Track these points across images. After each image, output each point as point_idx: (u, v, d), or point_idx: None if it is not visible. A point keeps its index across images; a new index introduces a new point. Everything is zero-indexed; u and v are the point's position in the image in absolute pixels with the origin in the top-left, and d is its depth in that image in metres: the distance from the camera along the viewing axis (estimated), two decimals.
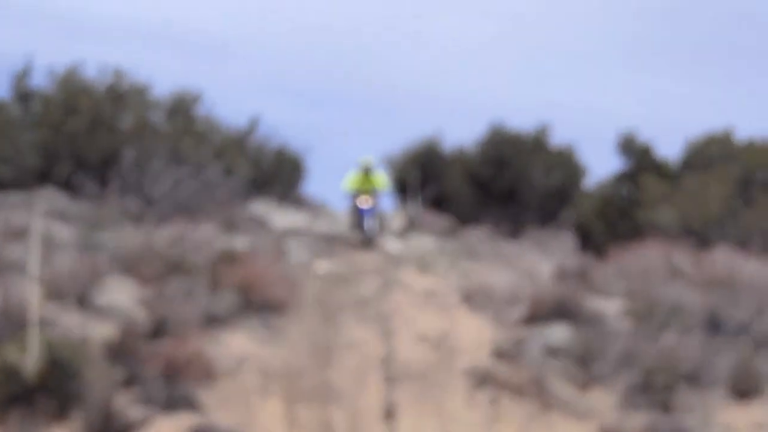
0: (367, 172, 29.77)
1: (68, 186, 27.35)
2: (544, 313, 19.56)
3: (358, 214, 29.46)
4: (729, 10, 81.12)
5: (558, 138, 36.47)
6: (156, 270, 20.06)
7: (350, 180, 29.93)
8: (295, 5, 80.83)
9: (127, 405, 16.78)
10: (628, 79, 75.80)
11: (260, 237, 23.58)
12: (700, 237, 26.48)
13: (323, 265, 23.20)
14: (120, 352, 17.47)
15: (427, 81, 74.78)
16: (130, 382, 17.14)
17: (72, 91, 29.64)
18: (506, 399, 17.88)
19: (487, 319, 19.66)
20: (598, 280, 21.34)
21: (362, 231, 29.23)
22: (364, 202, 29.28)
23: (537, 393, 17.95)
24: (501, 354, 18.69)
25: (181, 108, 30.93)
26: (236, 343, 18.46)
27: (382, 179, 30.21)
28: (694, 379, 18.37)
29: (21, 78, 31.50)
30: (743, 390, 18.38)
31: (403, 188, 33.85)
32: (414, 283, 21.24)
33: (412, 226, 29.57)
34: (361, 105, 72.79)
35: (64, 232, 21.71)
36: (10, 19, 76.33)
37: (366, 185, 29.57)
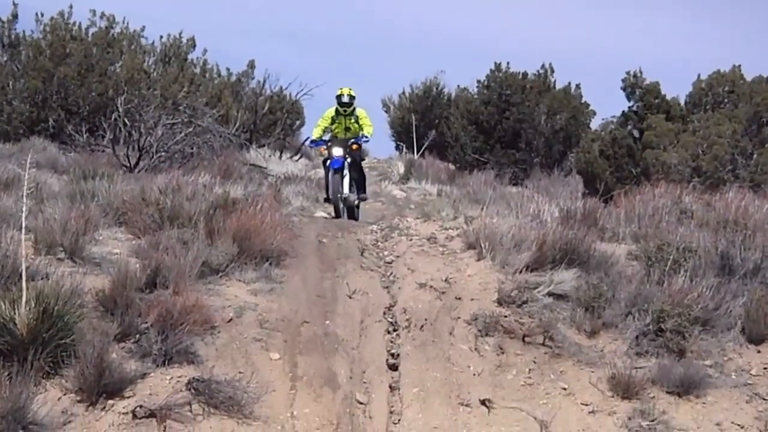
0: (344, 109, 24.20)
1: (59, 135, 27.28)
2: (550, 258, 19.45)
3: (329, 172, 24.16)
4: None
5: (563, 79, 36.34)
6: (150, 220, 19.93)
7: (322, 122, 24.70)
8: None
9: (121, 359, 16.65)
10: (633, 17, 76.15)
11: (258, 185, 23.45)
12: (710, 178, 26.38)
13: (323, 213, 23.09)
14: (114, 304, 17.34)
15: (428, 21, 75.08)
16: (124, 334, 17.01)
17: (61, 37, 29.53)
18: (513, 347, 17.78)
19: (492, 265, 19.57)
20: (605, 224, 21.21)
21: (331, 191, 24.01)
22: (337, 152, 24.00)
23: (544, 340, 17.85)
24: (507, 301, 18.56)
25: (175, 54, 30.82)
26: (234, 294, 18.35)
27: (366, 120, 24.57)
28: (706, 322, 18.28)
29: (7, 25, 31.41)
30: (757, 334, 18.29)
31: (403, 133, 33.63)
32: (416, 230, 21.13)
33: (412, 172, 29.13)
34: (361, 47, 72.99)
35: (54, 183, 21.56)
36: None
37: (343, 126, 24.35)
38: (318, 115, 24.43)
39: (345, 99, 24.05)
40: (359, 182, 23.92)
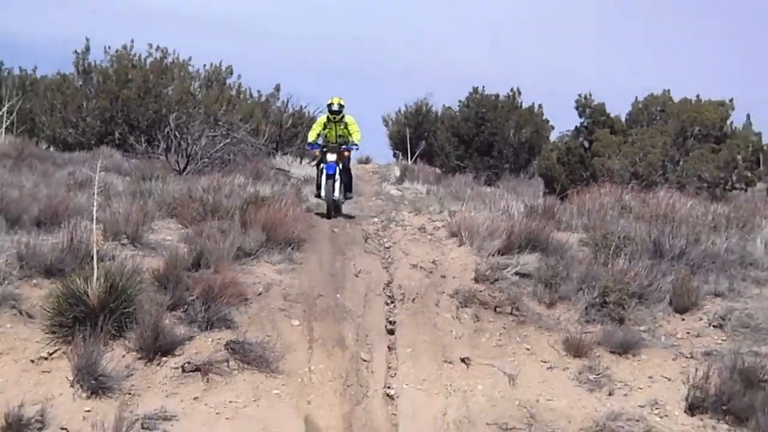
0: (335, 116, 22.99)
1: (122, 145, 27.34)
2: (517, 244, 19.58)
3: (322, 174, 22.97)
4: None
5: (528, 99, 36.43)
6: (196, 213, 20.04)
7: (316, 127, 23.56)
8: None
9: (173, 324, 16.77)
10: (584, 49, 75.91)
11: (282, 185, 23.52)
12: (645, 180, 26.46)
13: (315, 210, 23.16)
14: (166, 280, 17.48)
15: (419, 55, 74.83)
16: (175, 305, 17.14)
17: (124, 66, 29.59)
18: (486, 315, 17.90)
19: (470, 250, 19.66)
20: (561, 217, 21.33)
21: (324, 194, 22.87)
22: (330, 158, 22.88)
23: (512, 310, 17.97)
24: (482, 278, 18.69)
25: (216, 79, 30.86)
26: (263, 273, 18.46)
27: (355, 127, 23.21)
28: (641, 296, 18.43)
29: (82, 56, 31.42)
30: (683, 305, 18.43)
31: (399, 143, 33.68)
32: (409, 221, 21.24)
33: (406, 175, 29.14)
34: (364, 75, 72.80)
35: (119, 183, 21.66)
36: (72, 7, 76.21)
37: (334, 133, 23.18)
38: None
39: (335, 107, 22.93)
40: (347, 183, 23.25)
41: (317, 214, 22.28)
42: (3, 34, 78.35)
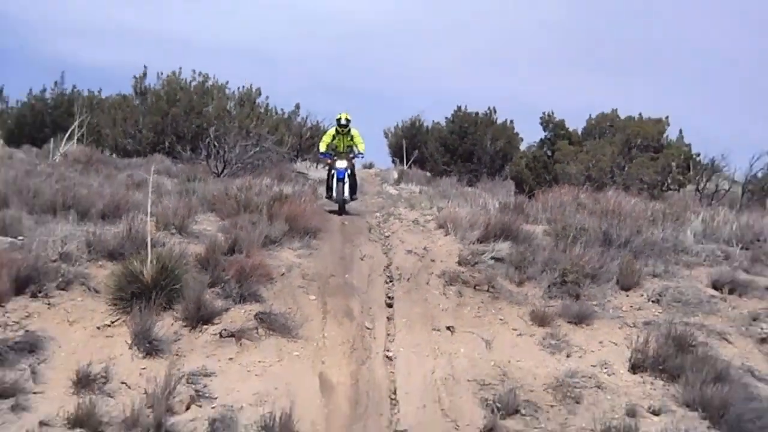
0: (342, 129, 22.73)
1: (171, 152, 27.34)
2: (492, 234, 19.58)
3: (333, 177, 22.78)
4: (618, 28, 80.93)
5: (502, 116, 36.40)
6: (231, 208, 20.04)
7: (326, 138, 23.08)
8: (322, 29, 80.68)
9: (212, 299, 16.78)
10: (548, 76, 75.86)
11: (301, 186, 23.53)
12: (597, 182, 26.45)
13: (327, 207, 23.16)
14: (207, 263, 17.49)
15: (413, 79, 74.78)
16: (214, 283, 17.14)
17: (173, 88, 29.60)
18: (468, 292, 17.89)
19: (454, 239, 19.67)
20: (529, 212, 21.33)
21: (335, 195, 22.70)
22: (340, 165, 22.64)
23: (488, 288, 17.97)
24: (464, 262, 18.70)
25: (247, 99, 30.84)
26: (285, 257, 18.46)
27: (359, 138, 22.88)
28: (593, 276, 18.43)
29: (139, 80, 31.44)
30: (628, 283, 18.44)
31: (397, 151, 33.66)
32: (405, 215, 21.25)
33: (403, 177, 29.12)
34: (369, 95, 72.74)
35: (168, 184, 21.66)
36: (131, 40, 76.28)
37: (342, 143, 22.88)
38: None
39: (342, 122, 22.62)
40: (353, 186, 22.95)
41: (329, 211, 22.24)
42: (75, 63, 78.69)
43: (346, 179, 22.46)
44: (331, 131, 22.92)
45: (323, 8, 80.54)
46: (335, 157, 22.84)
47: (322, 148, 23.02)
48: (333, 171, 22.68)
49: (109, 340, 15.99)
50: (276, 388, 15.39)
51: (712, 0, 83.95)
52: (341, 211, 22.35)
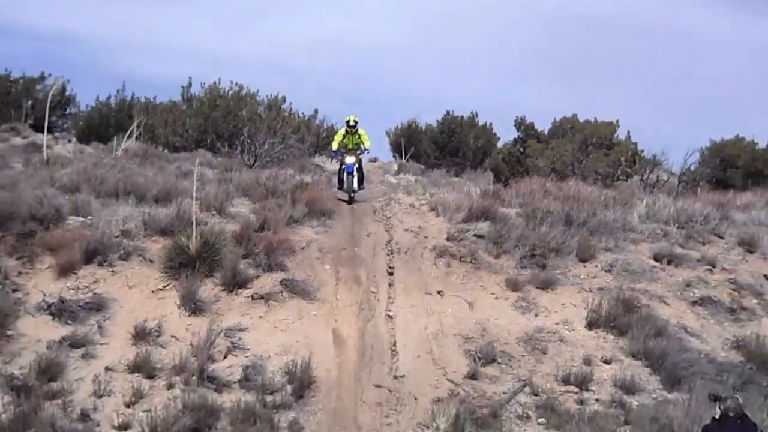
0: (351, 129, 22.02)
1: (212, 148, 27.28)
2: (475, 215, 19.45)
3: (343, 171, 22.01)
4: (580, 41, 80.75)
5: (483, 119, 36.22)
6: (261, 193, 19.97)
7: (338, 138, 22.41)
8: (333, 47, 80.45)
9: (245, 268, 16.74)
10: (520, 86, 75.65)
11: (319, 176, 23.43)
12: (560, 174, 26.38)
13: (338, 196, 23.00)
14: (241, 238, 17.42)
15: (409, 89, 74.59)
16: (247, 255, 17.08)
17: (214, 96, 29.52)
18: (454, 263, 17.82)
19: (443, 219, 19.57)
20: (504, 197, 21.24)
21: (346, 187, 21.88)
22: (350, 160, 21.88)
23: (471, 259, 17.90)
24: (451, 238, 18.60)
25: (274, 105, 30.76)
26: (305, 233, 18.39)
27: (365, 137, 22.33)
28: (557, 250, 18.35)
29: (186, 89, 31.37)
30: (585, 256, 18.37)
31: (397, 148, 33.56)
32: (403, 200, 21.17)
33: (401, 169, 28.99)
34: (375, 102, 72.52)
35: (210, 174, 21.59)
36: (179, 55, 76.12)
37: (351, 142, 22.08)
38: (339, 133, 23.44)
39: (351, 123, 21.99)
40: (360, 178, 22.12)
41: (340, 199, 21.96)
42: (134, 74, 78.60)
43: (355, 173, 21.66)
44: (342, 131, 22.28)
45: (334, 31, 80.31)
46: (345, 155, 22.17)
47: (335, 146, 22.32)
48: (343, 166, 22.07)
49: (161, 302, 16.01)
50: (297, 341, 15.38)
51: (654, 24, 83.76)
52: (350, 201, 21.66)
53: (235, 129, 27.99)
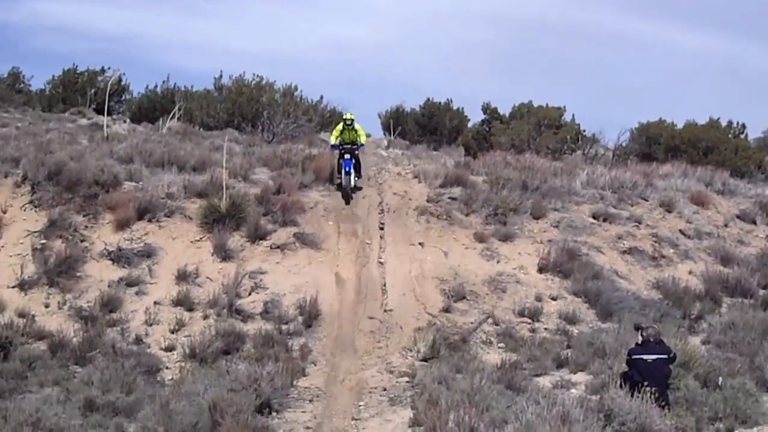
0: (348, 126, 19.52)
1: (239, 128, 27.10)
2: (449, 182, 19.24)
3: (341, 166, 19.06)
4: (531, 42, 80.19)
5: (457, 104, 35.86)
6: (277, 163, 19.82)
7: (335, 133, 19.69)
8: (333, 45, 79.68)
9: (265, 223, 16.70)
10: (486, 77, 75.09)
11: (324, 149, 23.26)
12: (518, 149, 26.29)
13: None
14: (262, 199, 17.35)
15: (396, 77, 74.00)
16: (266, 213, 16.99)
17: (240, 85, 29.25)
18: (433, 220, 17.77)
19: (425, 185, 19.44)
20: (474, 167, 21.08)
21: (344, 183, 18.82)
22: (347, 156, 19.07)
23: (446, 217, 17.85)
24: (431, 200, 18.49)
25: (288, 92, 30.51)
26: (313, 196, 18.30)
27: (361, 132, 19.83)
28: (515, 210, 18.25)
29: (217, 80, 31.12)
30: (537, 215, 18.33)
31: (387, 127, 33.30)
32: (392, 170, 21.04)
33: (390, 145, 28.75)
34: (369, 89, 71.88)
35: (236, 148, 21.47)
36: (210, 53, 75.45)
37: (348, 136, 19.44)
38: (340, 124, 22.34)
39: (348, 121, 19.46)
40: (357, 168, 19.20)
41: (337, 189, 19.21)
42: (176, 66, 78.05)
43: (352, 171, 18.98)
44: (339, 126, 19.50)
45: (334, 31, 79.49)
46: (343, 151, 19.32)
47: (333, 141, 19.56)
48: (341, 161, 19.29)
49: (198, 250, 16.01)
50: (307, 282, 15.42)
51: (590, 27, 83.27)
52: (347, 199, 18.61)
53: (257, 112, 27.72)
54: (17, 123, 24.42)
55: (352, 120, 19.43)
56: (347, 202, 18.44)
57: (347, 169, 18.71)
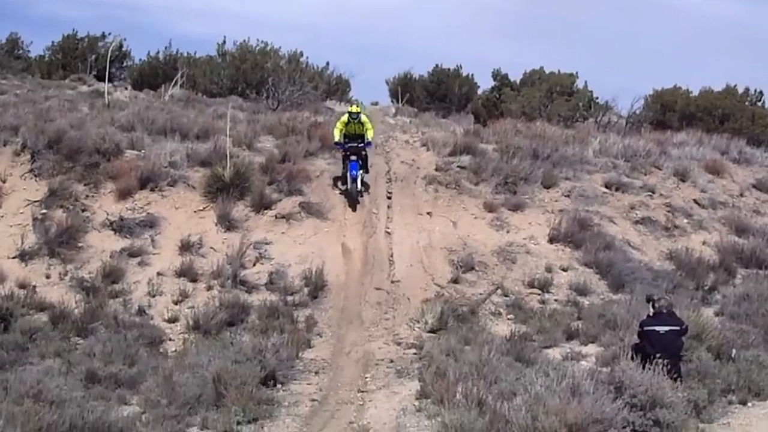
0: (355, 118, 17.37)
1: (243, 95, 26.98)
2: (458, 150, 19.13)
3: (347, 168, 17.09)
4: (547, 5, 79.47)
5: (467, 71, 35.57)
6: (282, 131, 19.72)
7: (339, 126, 17.52)
8: (341, 10, 78.98)
9: (270, 192, 16.66)
10: (498, 41, 74.39)
11: (330, 116, 23.13)
12: (529, 116, 26.09)
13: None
14: (267, 168, 17.28)
15: (406, 43, 73.40)
16: (271, 182, 16.96)
17: (244, 51, 29.10)
18: (441, 189, 17.68)
19: (433, 153, 19.32)
20: (483, 136, 20.94)
21: (350, 187, 16.99)
22: (353, 158, 17.05)
23: (455, 186, 17.75)
24: (439, 169, 18.38)
25: (294, 59, 30.35)
26: (319, 164, 18.20)
27: (369, 125, 17.65)
28: (526, 179, 18.14)
29: (221, 46, 30.98)
30: (548, 184, 18.23)
31: (395, 94, 33.10)
32: (399, 138, 20.93)
33: (398, 112, 28.58)
34: (377, 55, 71.39)
35: (240, 115, 21.36)
36: (217, 17, 75.05)
37: (354, 130, 17.37)
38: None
39: (354, 114, 17.34)
40: (364, 164, 17.29)
41: (341, 192, 17.39)
42: (178, 32, 77.67)
43: (359, 177, 17.09)
44: (344, 119, 17.55)
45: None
46: (348, 152, 17.23)
47: (336, 137, 17.44)
48: (347, 163, 17.20)
49: (201, 220, 15.99)
50: (312, 252, 15.41)
51: None
52: (354, 205, 16.95)
53: (262, 79, 27.56)
54: (16, 90, 24.36)
55: (358, 113, 17.51)
56: (354, 209, 16.82)
57: (353, 174, 16.87)
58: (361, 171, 17.14)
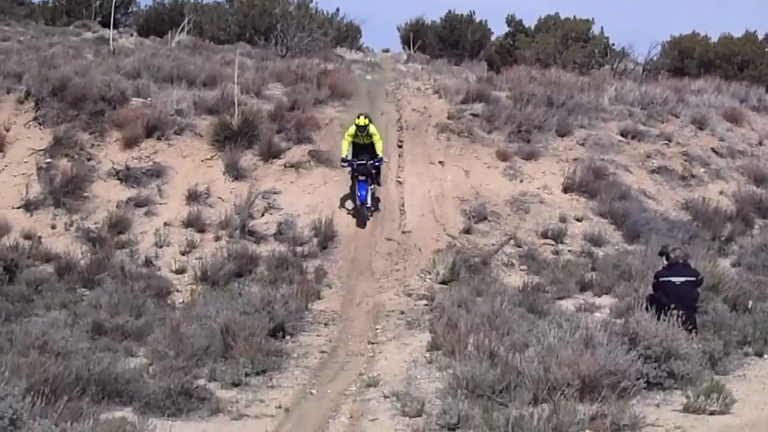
0: (362, 131, 15.57)
1: (251, 41, 26.66)
2: (471, 97, 18.85)
3: (356, 186, 15.45)
4: None
5: (480, 16, 35.05)
6: (291, 79, 19.45)
7: (347, 138, 15.70)
8: None
9: (279, 141, 16.50)
10: None
11: (339, 64, 22.81)
12: (543, 63, 25.68)
13: (368, 76, 22.37)
14: (275, 116, 17.09)
15: None
16: (280, 130, 16.81)
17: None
18: (454, 137, 17.47)
19: (445, 101, 19.06)
20: (497, 83, 20.64)
21: (359, 207, 15.35)
22: (361, 178, 15.39)
23: (468, 135, 17.54)
24: (452, 117, 18.15)
25: (303, 4, 29.94)
26: (328, 112, 17.99)
27: (377, 136, 15.77)
28: (540, 127, 17.91)
29: None
30: (563, 132, 18.00)
31: (407, 41, 32.68)
32: (411, 85, 20.64)
33: (410, 59, 28.17)
34: (388, 1, 70.24)
35: (248, 63, 21.06)
36: None
37: (362, 141, 15.63)
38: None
39: (362, 126, 15.51)
40: (376, 176, 15.63)
41: (349, 213, 15.53)
42: None
43: (368, 199, 15.51)
44: (352, 131, 15.79)
45: None
46: (356, 172, 15.57)
47: (344, 152, 15.71)
48: (356, 182, 15.67)
49: (209, 169, 15.89)
50: (322, 202, 15.32)
51: None
52: (363, 223, 15.31)
53: (270, 25, 27.17)
54: (19, 37, 24.05)
55: (366, 125, 15.75)
56: (362, 227, 15.29)
57: (362, 197, 15.30)
58: (371, 186, 15.63)
